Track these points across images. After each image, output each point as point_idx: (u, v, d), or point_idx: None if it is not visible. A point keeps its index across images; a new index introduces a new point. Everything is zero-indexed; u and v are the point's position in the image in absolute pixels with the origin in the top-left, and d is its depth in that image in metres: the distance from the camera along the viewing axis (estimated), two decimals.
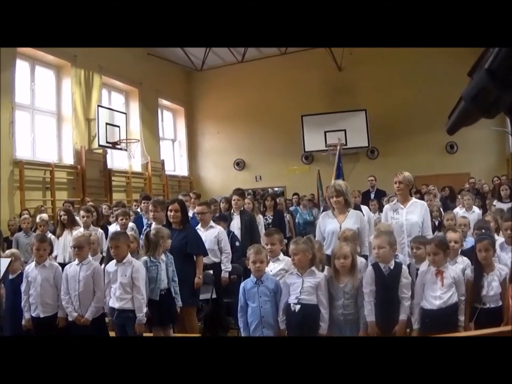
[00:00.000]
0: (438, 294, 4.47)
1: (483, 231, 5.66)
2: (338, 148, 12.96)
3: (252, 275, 4.87)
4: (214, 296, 6.66)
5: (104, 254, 6.41)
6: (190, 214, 7.79)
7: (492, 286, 4.52)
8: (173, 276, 5.40)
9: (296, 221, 11.88)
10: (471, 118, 1.40)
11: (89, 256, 5.50)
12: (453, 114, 1.43)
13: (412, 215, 5.82)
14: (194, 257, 6.22)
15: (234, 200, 8.13)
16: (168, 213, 6.28)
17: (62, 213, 7.64)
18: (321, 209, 7.59)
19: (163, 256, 5.41)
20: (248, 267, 4.93)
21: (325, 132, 16.39)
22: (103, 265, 5.51)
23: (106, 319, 5.45)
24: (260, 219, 8.64)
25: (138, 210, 9.42)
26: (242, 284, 4.97)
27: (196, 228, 6.79)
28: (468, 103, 1.34)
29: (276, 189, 18.01)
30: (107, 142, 13.85)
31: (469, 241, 5.84)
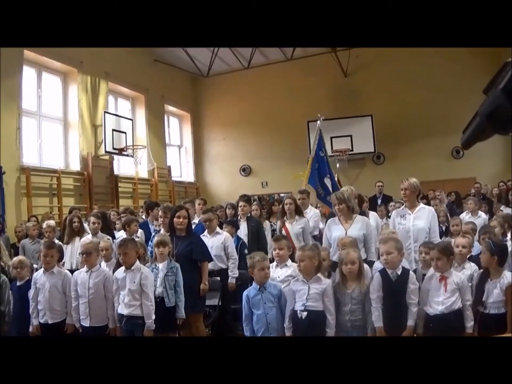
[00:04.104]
0: (441, 299, 4.47)
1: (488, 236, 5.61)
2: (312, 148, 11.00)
3: (254, 283, 4.87)
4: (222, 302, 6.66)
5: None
6: (196, 220, 7.78)
7: (492, 293, 4.49)
8: (176, 285, 5.42)
9: None
10: (485, 134, 1.41)
11: (103, 262, 5.51)
12: (468, 129, 1.44)
13: (419, 220, 5.80)
14: (199, 263, 6.20)
15: (240, 206, 8.11)
16: (176, 219, 6.14)
17: (76, 219, 7.66)
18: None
19: (161, 265, 5.45)
20: (251, 275, 4.93)
21: (331, 138, 16.35)
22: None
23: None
24: (267, 225, 8.63)
25: (143, 217, 9.43)
26: (245, 292, 4.94)
27: (202, 235, 6.78)
28: (483, 120, 1.35)
29: (282, 194, 17.97)
30: (113, 148, 13.91)
31: (476, 247, 5.80)
